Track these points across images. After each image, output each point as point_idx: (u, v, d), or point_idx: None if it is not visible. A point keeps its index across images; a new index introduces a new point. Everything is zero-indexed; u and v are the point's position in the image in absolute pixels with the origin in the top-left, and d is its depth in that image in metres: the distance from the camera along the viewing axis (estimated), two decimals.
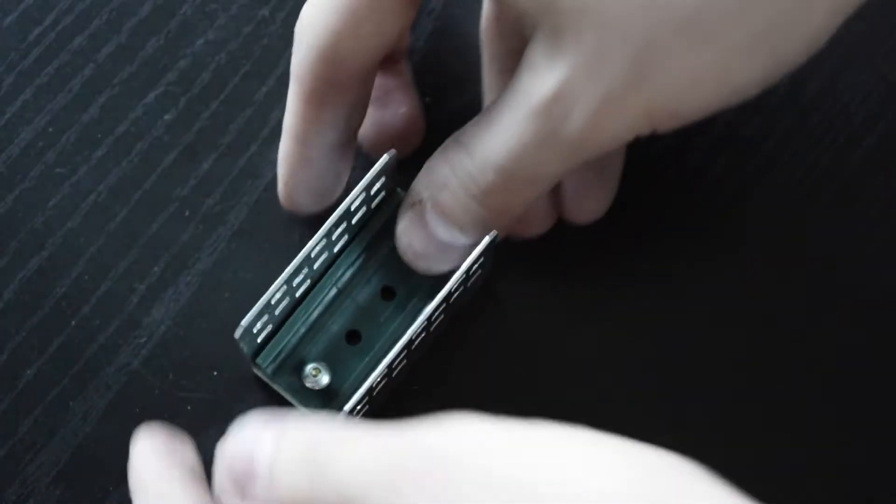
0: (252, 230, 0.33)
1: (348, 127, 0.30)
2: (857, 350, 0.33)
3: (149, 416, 0.32)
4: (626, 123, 0.25)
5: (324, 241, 0.29)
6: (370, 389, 0.27)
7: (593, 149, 0.26)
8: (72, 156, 0.34)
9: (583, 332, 0.33)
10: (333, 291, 0.30)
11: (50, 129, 0.34)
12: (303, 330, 0.30)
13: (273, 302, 0.28)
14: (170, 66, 0.34)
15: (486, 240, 0.28)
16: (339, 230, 0.29)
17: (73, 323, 0.33)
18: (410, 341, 0.28)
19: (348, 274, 0.30)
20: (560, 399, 0.33)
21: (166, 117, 0.34)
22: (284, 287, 0.28)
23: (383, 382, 0.28)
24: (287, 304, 0.29)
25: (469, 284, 0.30)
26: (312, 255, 0.29)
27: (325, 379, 0.29)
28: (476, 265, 0.28)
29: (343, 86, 0.28)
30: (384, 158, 0.28)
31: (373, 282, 0.30)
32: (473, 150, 0.27)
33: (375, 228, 0.31)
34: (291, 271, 0.28)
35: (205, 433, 0.32)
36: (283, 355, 0.30)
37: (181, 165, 0.34)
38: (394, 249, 0.29)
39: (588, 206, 0.32)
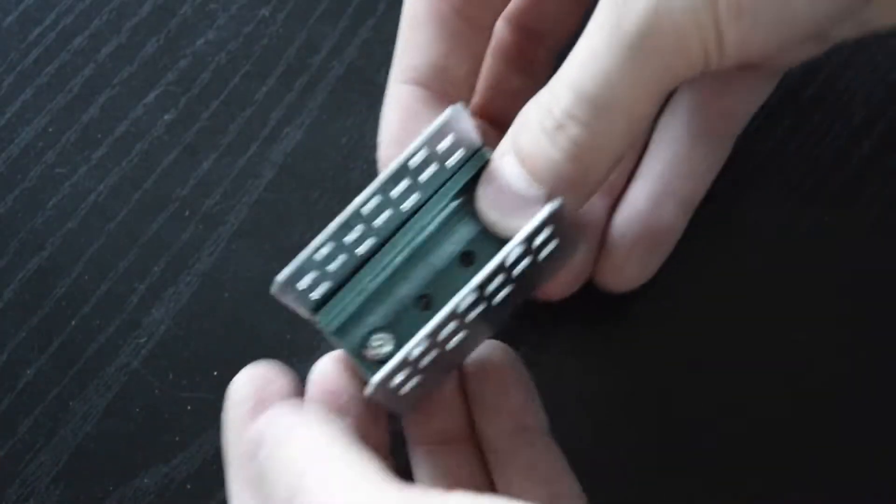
0: (252, 230, 0.34)
1: (447, 69, 0.28)
2: (857, 349, 0.33)
3: (149, 416, 0.32)
4: (686, 17, 0.22)
5: (379, 198, 0.26)
6: (405, 360, 0.25)
7: (655, 54, 0.23)
8: (72, 156, 0.34)
9: (587, 339, 0.33)
10: (405, 253, 0.27)
11: (50, 129, 0.34)
12: (369, 291, 0.27)
13: (319, 258, 0.26)
14: (170, 66, 0.35)
15: (549, 207, 0.24)
16: (401, 188, 0.26)
17: (73, 323, 0.33)
18: (457, 312, 0.25)
19: (422, 236, 0.27)
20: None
21: (166, 117, 0.34)
22: (333, 244, 0.26)
23: (434, 353, 0.26)
24: (347, 263, 0.27)
25: (540, 261, 0.27)
26: (364, 213, 0.26)
27: (386, 349, 0.27)
28: (541, 235, 0.25)
29: (448, 3, 0.27)
30: (447, 112, 0.25)
31: (451, 245, 0.27)
32: (552, 83, 0.25)
33: (455, 189, 0.27)
34: (337, 227, 0.25)
35: (205, 433, 0.32)
36: (345, 315, 0.27)
37: (181, 165, 0.34)
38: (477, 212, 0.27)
39: (629, 273, 0.30)
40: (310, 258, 0.25)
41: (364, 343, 0.27)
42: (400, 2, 0.35)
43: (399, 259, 0.27)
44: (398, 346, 0.26)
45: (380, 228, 0.27)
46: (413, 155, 0.25)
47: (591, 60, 0.23)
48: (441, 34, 0.27)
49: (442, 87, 0.28)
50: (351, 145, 0.34)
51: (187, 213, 0.33)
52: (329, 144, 0.34)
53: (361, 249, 0.27)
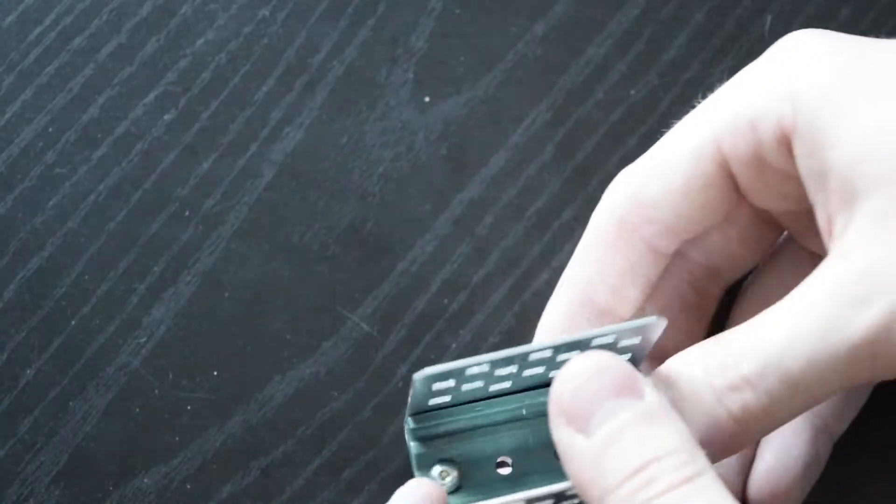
0: (252, 230, 0.33)
1: (619, 288, 0.28)
2: None
3: (149, 416, 0.32)
4: None
5: (548, 353, 0.25)
6: None
7: (871, 361, 0.22)
8: (72, 156, 0.34)
9: None
10: (514, 414, 0.27)
11: (50, 129, 0.34)
12: (465, 426, 0.27)
13: (468, 373, 0.25)
14: (170, 66, 0.34)
15: None
16: (567, 356, 0.25)
17: (73, 323, 0.33)
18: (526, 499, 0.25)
19: (537, 410, 0.27)
20: None
21: (166, 117, 0.34)
22: (487, 369, 0.25)
23: None
24: (474, 392, 0.27)
25: None
26: (531, 359, 0.25)
27: (448, 481, 0.26)
28: None
29: (635, 229, 0.27)
30: (647, 320, 0.24)
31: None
32: (730, 341, 0.24)
33: None
34: (504, 357, 0.25)
35: (205, 433, 0.32)
36: (433, 432, 0.27)
37: (181, 165, 0.34)
38: None
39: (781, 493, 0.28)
40: (464, 369, 0.25)
41: (433, 463, 0.27)
42: (400, 2, 0.35)
43: (506, 416, 0.27)
44: (458, 486, 0.26)
45: (521, 379, 0.26)
46: (598, 336, 0.25)
47: (796, 342, 0.22)
48: (622, 256, 0.27)
49: (609, 304, 0.28)
50: (351, 145, 0.34)
51: (187, 213, 0.33)
52: (329, 144, 0.34)
53: (494, 388, 0.27)
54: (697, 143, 0.26)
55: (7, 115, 0.34)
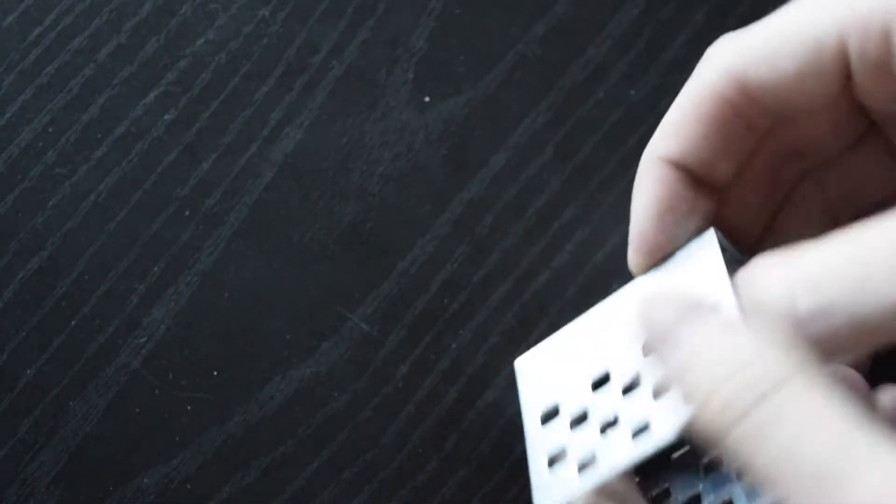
0: (252, 230, 0.34)
1: (713, 163, 0.27)
2: None
3: (149, 416, 0.32)
4: None
5: None
6: None
7: None
8: (72, 156, 0.34)
9: None
10: None
11: (50, 129, 0.34)
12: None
13: None
14: (170, 66, 0.35)
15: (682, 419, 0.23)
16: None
17: (73, 323, 0.33)
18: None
19: None
20: None
21: (166, 117, 0.34)
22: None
23: None
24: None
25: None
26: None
27: None
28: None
29: (737, 108, 0.26)
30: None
31: None
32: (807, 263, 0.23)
33: None
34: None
35: (205, 433, 0.32)
36: None
37: (181, 165, 0.34)
38: None
39: None
40: None
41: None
42: (400, 2, 0.35)
43: None
44: None
45: None
46: None
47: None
48: (721, 133, 0.27)
49: (704, 176, 0.27)
50: (351, 145, 0.34)
51: (187, 213, 0.34)
52: (329, 144, 0.34)
53: None
54: (820, 33, 0.25)
55: (7, 115, 0.34)
